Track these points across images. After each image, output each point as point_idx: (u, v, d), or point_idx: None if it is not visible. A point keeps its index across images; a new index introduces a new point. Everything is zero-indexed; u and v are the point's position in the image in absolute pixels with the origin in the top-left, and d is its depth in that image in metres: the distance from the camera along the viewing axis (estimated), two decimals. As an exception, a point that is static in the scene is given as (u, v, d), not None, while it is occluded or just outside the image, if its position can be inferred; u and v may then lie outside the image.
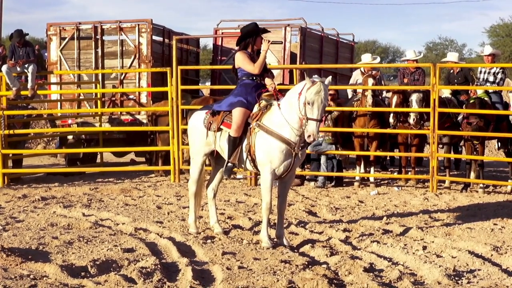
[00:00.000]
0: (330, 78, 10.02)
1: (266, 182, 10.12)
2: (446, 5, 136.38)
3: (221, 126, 10.51)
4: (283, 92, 10.56)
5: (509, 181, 16.38)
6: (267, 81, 10.57)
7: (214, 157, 11.08)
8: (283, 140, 9.92)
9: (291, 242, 10.48)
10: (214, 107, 10.85)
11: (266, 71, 10.74)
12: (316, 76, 10.15)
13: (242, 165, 10.56)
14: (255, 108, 10.31)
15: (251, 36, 10.62)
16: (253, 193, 15.15)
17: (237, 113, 10.25)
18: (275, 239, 10.34)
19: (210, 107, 11.08)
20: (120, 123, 20.02)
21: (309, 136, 9.60)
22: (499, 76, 16.27)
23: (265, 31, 10.89)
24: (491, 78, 16.38)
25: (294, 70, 18.61)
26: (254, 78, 10.49)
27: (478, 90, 16.32)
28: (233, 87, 19.09)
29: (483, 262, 9.04)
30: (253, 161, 10.26)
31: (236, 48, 10.93)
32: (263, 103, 10.30)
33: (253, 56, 10.54)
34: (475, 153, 16.46)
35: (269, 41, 10.55)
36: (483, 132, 15.82)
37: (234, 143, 10.28)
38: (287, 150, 9.97)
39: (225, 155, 10.56)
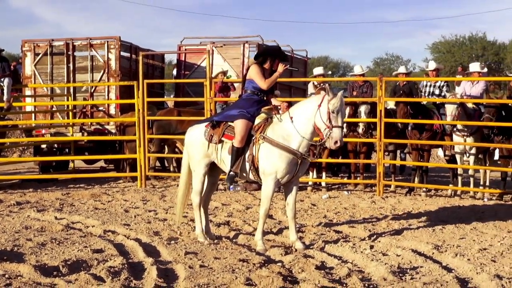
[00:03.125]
0: (342, 91, 10.12)
1: (268, 191, 10.03)
2: (393, 24, 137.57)
3: (223, 138, 10.32)
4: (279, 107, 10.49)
5: (450, 185, 16.51)
6: (275, 101, 10.57)
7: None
8: (289, 151, 9.87)
9: (248, 242, 10.49)
10: (214, 118, 10.71)
11: (272, 92, 10.70)
12: (334, 88, 10.21)
13: (244, 174, 10.37)
14: (256, 121, 10.22)
15: (272, 56, 10.47)
16: (213, 197, 15.09)
17: (240, 125, 10.09)
18: (292, 246, 10.20)
19: (209, 119, 10.92)
20: (90, 133, 19.95)
21: (336, 142, 9.63)
22: (444, 89, 16.40)
23: (285, 57, 10.79)
24: (436, 91, 16.52)
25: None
26: (259, 94, 10.36)
27: (424, 102, 16.45)
28: (196, 99, 19.33)
29: (425, 260, 9.11)
30: (256, 170, 10.15)
31: (254, 61, 10.70)
32: (263, 116, 10.27)
33: (265, 74, 10.36)
34: (421, 159, 16.59)
35: (286, 65, 10.49)
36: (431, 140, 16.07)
37: (237, 154, 10.11)
38: (292, 160, 9.91)
39: (226, 165, 10.36)
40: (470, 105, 15.94)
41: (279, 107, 10.42)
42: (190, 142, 10.77)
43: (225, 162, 10.37)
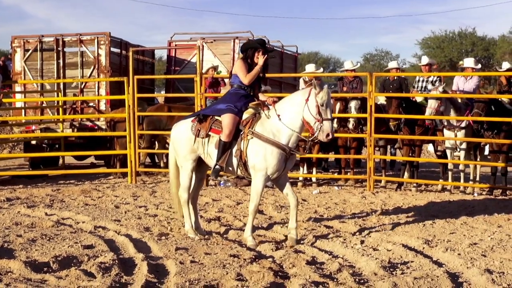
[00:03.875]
0: (326, 85, 10.13)
1: (259, 186, 10.00)
2: (382, 19, 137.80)
3: (210, 132, 10.28)
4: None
5: (440, 180, 16.53)
6: (262, 96, 10.61)
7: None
8: (279, 146, 9.88)
9: (239, 238, 10.48)
10: (200, 112, 10.69)
11: (259, 86, 10.71)
12: (318, 81, 10.24)
13: (230, 169, 10.33)
14: (244, 115, 10.22)
15: (253, 48, 10.44)
16: (204, 193, 15.07)
17: (228, 119, 10.07)
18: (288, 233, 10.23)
19: (195, 114, 10.87)
20: (81, 129, 19.92)
21: (327, 135, 9.69)
22: (437, 84, 16.40)
23: (265, 48, 10.62)
24: (429, 86, 16.52)
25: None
26: (246, 88, 10.35)
27: (418, 97, 16.45)
28: (186, 95, 19.29)
29: (416, 255, 9.11)
30: (244, 165, 10.13)
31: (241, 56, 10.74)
32: (251, 111, 10.26)
33: (247, 67, 10.34)
34: (412, 155, 16.62)
35: (265, 56, 10.42)
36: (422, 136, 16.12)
37: (224, 148, 10.08)
38: (282, 155, 9.92)
39: (212, 159, 10.32)
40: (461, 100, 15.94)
41: (266, 102, 10.43)
42: (176, 137, 10.72)
43: (211, 157, 10.33)
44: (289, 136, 9.93)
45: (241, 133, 10.08)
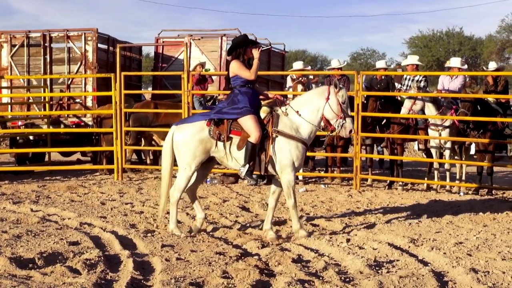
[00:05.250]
0: (320, 84, 10.50)
1: (291, 181, 10.31)
2: (370, 18, 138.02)
3: (231, 135, 10.28)
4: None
5: (426, 179, 16.56)
6: (270, 93, 11.11)
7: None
8: (302, 142, 10.31)
9: (225, 235, 10.49)
10: (212, 116, 10.45)
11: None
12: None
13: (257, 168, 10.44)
14: (262, 115, 10.37)
15: (241, 47, 10.46)
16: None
17: (251, 121, 10.13)
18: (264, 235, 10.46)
19: (204, 117, 10.67)
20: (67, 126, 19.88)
21: (351, 130, 10.47)
22: (422, 83, 16.43)
23: (254, 42, 10.78)
24: (416, 85, 16.53)
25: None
26: (249, 85, 10.38)
27: (404, 96, 16.49)
28: (173, 92, 19.24)
29: (401, 253, 9.13)
30: (269, 163, 10.31)
31: (229, 58, 10.81)
32: (266, 109, 10.45)
33: (246, 65, 10.39)
34: (396, 153, 16.67)
35: (259, 48, 10.52)
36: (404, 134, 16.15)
37: (253, 149, 10.17)
38: (305, 149, 10.42)
39: (237, 161, 10.35)
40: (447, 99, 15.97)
41: (278, 100, 10.72)
42: (183, 140, 10.49)
43: (235, 158, 10.37)
44: (310, 131, 10.37)
45: (265, 132, 10.23)
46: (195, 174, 10.74)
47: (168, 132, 10.83)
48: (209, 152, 10.46)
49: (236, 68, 10.36)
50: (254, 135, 10.09)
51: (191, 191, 10.94)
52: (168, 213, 10.90)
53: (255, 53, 10.41)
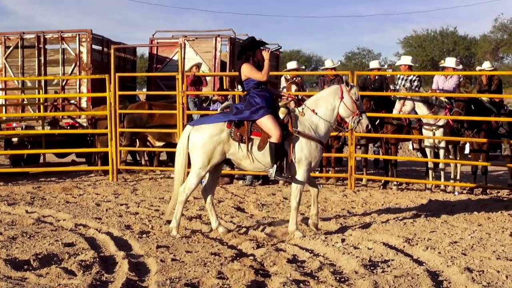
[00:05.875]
0: (314, 84, 10.62)
1: (304, 177, 10.48)
2: (364, 18, 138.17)
3: (252, 136, 10.34)
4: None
5: (426, 179, 16.53)
6: (284, 93, 11.51)
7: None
8: (319, 141, 10.51)
9: (220, 236, 10.49)
10: (232, 117, 10.44)
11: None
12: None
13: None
14: (280, 115, 10.47)
15: (250, 50, 10.53)
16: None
17: (271, 121, 10.22)
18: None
19: (216, 119, 10.70)
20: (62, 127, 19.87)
21: (367, 125, 10.78)
22: (415, 83, 16.45)
23: (262, 43, 10.78)
24: (407, 85, 16.55)
25: (224, 77, 18.91)
26: (263, 86, 10.44)
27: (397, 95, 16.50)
28: (168, 92, 19.24)
29: (396, 253, 9.13)
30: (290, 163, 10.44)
31: (239, 61, 10.81)
32: (284, 110, 10.55)
33: (256, 67, 10.45)
34: (390, 153, 16.67)
35: (269, 49, 10.69)
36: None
37: (277, 149, 10.24)
38: (321, 148, 10.62)
39: (260, 162, 10.42)
40: (443, 99, 15.95)
41: (294, 99, 11.02)
42: (201, 141, 10.42)
43: (258, 159, 10.41)
44: (327, 128, 10.63)
45: (285, 132, 10.31)
46: (209, 176, 10.89)
47: (183, 132, 10.83)
48: (225, 154, 10.49)
49: (248, 71, 10.41)
50: (275, 135, 10.17)
51: (207, 194, 10.98)
52: (163, 213, 10.89)
53: (265, 54, 10.51)
